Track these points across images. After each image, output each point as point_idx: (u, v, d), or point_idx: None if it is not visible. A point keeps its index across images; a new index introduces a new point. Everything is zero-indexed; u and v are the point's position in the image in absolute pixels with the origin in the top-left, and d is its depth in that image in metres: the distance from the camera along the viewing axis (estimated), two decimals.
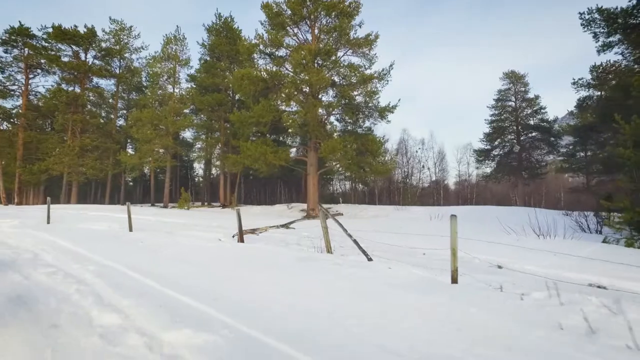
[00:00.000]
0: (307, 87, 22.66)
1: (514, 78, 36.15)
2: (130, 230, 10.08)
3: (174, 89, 32.48)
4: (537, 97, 36.09)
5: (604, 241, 10.87)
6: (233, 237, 8.63)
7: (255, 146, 23.27)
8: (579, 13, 15.81)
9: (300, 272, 5.23)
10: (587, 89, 30.47)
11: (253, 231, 8.57)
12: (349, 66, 24.49)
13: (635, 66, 27.42)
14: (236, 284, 4.54)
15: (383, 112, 25.61)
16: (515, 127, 35.48)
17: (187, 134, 45.97)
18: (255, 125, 24.04)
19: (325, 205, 31.91)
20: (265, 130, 24.63)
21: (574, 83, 31.56)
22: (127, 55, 36.93)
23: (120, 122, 40.51)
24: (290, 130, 28.71)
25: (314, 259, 6.20)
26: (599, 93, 29.80)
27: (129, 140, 40.39)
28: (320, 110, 23.76)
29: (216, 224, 13.59)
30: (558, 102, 77.36)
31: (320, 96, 24.61)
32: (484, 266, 6.64)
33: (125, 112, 41.15)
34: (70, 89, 32.86)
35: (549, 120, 34.44)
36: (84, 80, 33.20)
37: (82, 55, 33.97)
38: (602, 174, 36.08)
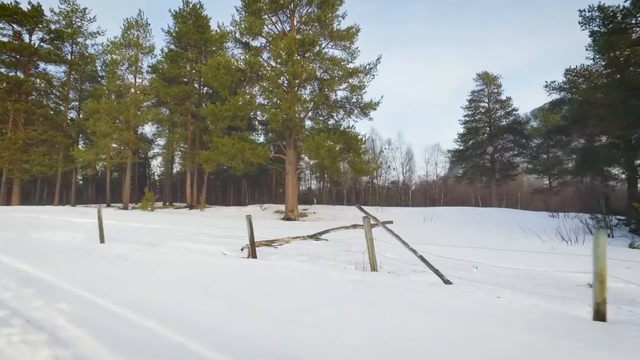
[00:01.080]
0: (291, 80, 20.97)
1: (487, 79, 36.50)
2: (102, 241, 8.04)
3: (135, 79, 29.53)
4: (509, 99, 36.71)
5: (630, 246, 10.25)
6: (242, 250, 6.93)
7: (231, 142, 21.28)
8: (579, 10, 15.54)
9: (377, 305, 3.73)
10: (558, 92, 31.13)
11: (269, 243, 6.90)
12: (331, 59, 23.13)
13: (604, 70, 28.32)
14: (311, 332, 2.96)
15: (366, 109, 24.53)
16: (488, 128, 35.82)
17: (147, 129, 42.64)
18: (231, 119, 22.01)
19: (298, 207, 30.36)
20: (243, 125, 22.65)
21: (546, 86, 32.17)
22: (80, 40, 33.24)
23: (72, 114, 36.55)
24: (269, 126, 26.73)
25: (375, 283, 4.73)
26: (570, 95, 30.47)
27: (80, 135, 36.55)
28: (301, 105, 22.15)
29: (200, 231, 11.68)
30: (519, 103, 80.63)
31: (302, 90, 23.07)
32: (571, 285, 5.45)
33: (77, 103, 37.16)
34: (12, 73, 28.90)
35: (521, 122, 35.11)
36: (28, 65, 29.33)
37: (26, 37, 30.04)
38: (565, 175, 37.33)
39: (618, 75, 26.80)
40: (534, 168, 36.66)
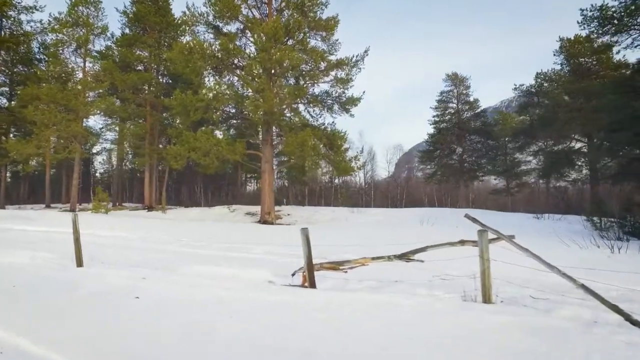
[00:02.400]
0: (276, 68, 19.01)
1: (457, 80, 36.76)
2: (80, 264, 5.81)
3: (84, 62, 25.78)
4: (476, 100, 37.29)
5: None
6: (293, 275, 5.18)
7: (205, 136, 18.87)
8: (580, 9, 15.30)
9: None
10: (526, 95, 32.00)
11: (335, 266, 5.17)
12: (312, 50, 21.47)
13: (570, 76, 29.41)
14: None
15: (348, 104, 23.23)
16: (457, 129, 36.05)
17: (91, 122, 38.26)
18: (205, 111, 19.59)
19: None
20: (216, 118, 20.30)
21: (515, 89, 32.96)
22: (12, 14, 28.49)
23: (1, 101, 31.47)
24: (238, 120, 24.38)
25: (552, 330, 3.28)
26: (538, 99, 31.36)
27: (13, 127, 31.57)
28: (285, 97, 20.21)
29: (192, 242, 9.58)
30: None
31: (283, 81, 21.18)
32: None
33: (7, 89, 32.04)
34: None
35: (490, 123, 35.70)
36: None
37: None
38: (523, 176, 38.61)
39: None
40: (494, 169, 37.37)
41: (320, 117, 24.78)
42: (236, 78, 22.54)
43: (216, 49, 19.44)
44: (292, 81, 23.39)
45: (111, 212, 23.16)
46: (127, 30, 28.67)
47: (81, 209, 25.53)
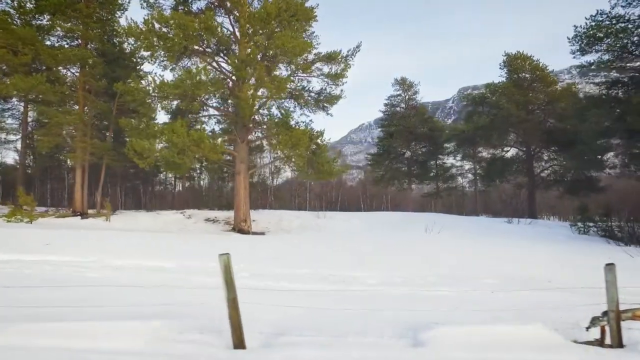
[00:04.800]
0: (277, 55, 16.62)
1: (405, 85, 37.62)
2: (241, 344, 3.38)
3: None
4: (423, 105, 38.68)
5: None
6: (587, 329, 3.65)
7: (181, 129, 15.59)
8: (574, 26, 16.19)
9: None
10: (472, 104, 34.18)
11: None
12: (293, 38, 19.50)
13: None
14: None
15: (328, 102, 21.87)
16: (405, 134, 36.86)
17: None
18: (179, 99, 16.33)
19: (227, 212, 25.85)
20: (195, 108, 17.12)
21: (463, 97, 34.94)
22: None
23: None
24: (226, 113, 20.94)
25: None
26: (482, 108, 33.59)
27: None
28: (277, 90, 17.84)
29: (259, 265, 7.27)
30: None
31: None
32: None
33: None
34: None
35: (434, 128, 37.26)
36: None
37: None
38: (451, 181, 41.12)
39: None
40: (426, 174, 38.89)
41: (296, 114, 22.91)
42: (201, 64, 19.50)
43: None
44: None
45: (36, 222, 18.10)
46: None
47: None
